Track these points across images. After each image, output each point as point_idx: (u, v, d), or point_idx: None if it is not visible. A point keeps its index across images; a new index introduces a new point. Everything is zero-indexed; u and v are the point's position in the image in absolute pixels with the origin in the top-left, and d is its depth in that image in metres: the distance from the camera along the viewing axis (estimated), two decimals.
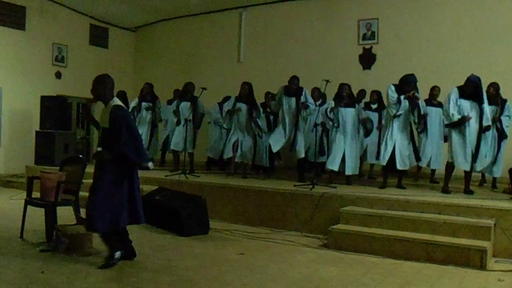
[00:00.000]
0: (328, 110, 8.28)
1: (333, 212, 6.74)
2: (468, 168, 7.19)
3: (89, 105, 5.66)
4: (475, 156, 7.09)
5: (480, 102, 7.08)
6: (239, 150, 9.22)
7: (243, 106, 9.19)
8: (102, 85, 5.06)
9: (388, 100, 7.60)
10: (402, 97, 7.42)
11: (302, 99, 8.51)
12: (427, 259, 5.49)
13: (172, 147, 10.23)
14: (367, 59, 11.39)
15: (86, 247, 5.65)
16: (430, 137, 8.65)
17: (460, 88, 7.23)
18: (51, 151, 11.21)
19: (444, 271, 5.15)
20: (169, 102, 11.39)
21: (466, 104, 7.16)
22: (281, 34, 12.54)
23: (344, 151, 8.24)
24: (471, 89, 7.11)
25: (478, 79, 7.11)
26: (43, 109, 11.68)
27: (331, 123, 8.26)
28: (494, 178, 8.40)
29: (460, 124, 7.15)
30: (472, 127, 7.11)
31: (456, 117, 7.12)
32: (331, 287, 4.54)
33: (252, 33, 13.07)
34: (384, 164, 7.69)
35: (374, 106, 9.51)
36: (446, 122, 7.51)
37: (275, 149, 8.85)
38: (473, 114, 7.11)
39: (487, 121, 7.10)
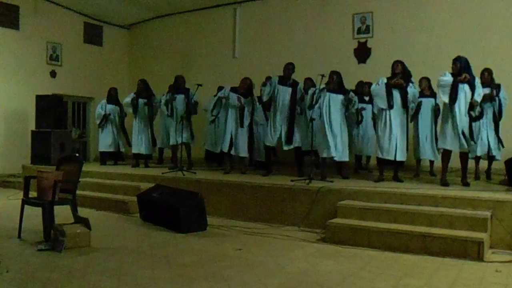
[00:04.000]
0: (315, 93, 8.08)
1: (331, 206, 6.75)
2: (456, 149, 7.13)
3: None
4: (469, 136, 7.05)
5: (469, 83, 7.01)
6: (234, 143, 9.15)
7: (233, 96, 9.15)
8: None
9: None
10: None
11: (298, 93, 8.48)
12: (425, 251, 5.51)
13: (171, 143, 10.22)
14: (362, 53, 11.38)
15: (84, 245, 5.66)
16: (422, 129, 8.61)
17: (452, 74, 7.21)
18: (47, 150, 11.16)
19: (441, 263, 5.17)
20: None
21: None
22: (276, 29, 12.53)
23: (331, 138, 8.01)
24: (454, 70, 7.10)
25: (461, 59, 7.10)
26: (39, 109, 11.61)
27: (314, 106, 8.09)
28: (489, 168, 8.34)
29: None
30: (462, 110, 7.04)
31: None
32: (329, 281, 4.55)
33: (247, 28, 13.06)
34: (392, 158, 7.60)
35: (367, 98, 9.44)
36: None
37: (266, 142, 8.78)
38: (461, 96, 7.01)
39: (478, 97, 7.01)
